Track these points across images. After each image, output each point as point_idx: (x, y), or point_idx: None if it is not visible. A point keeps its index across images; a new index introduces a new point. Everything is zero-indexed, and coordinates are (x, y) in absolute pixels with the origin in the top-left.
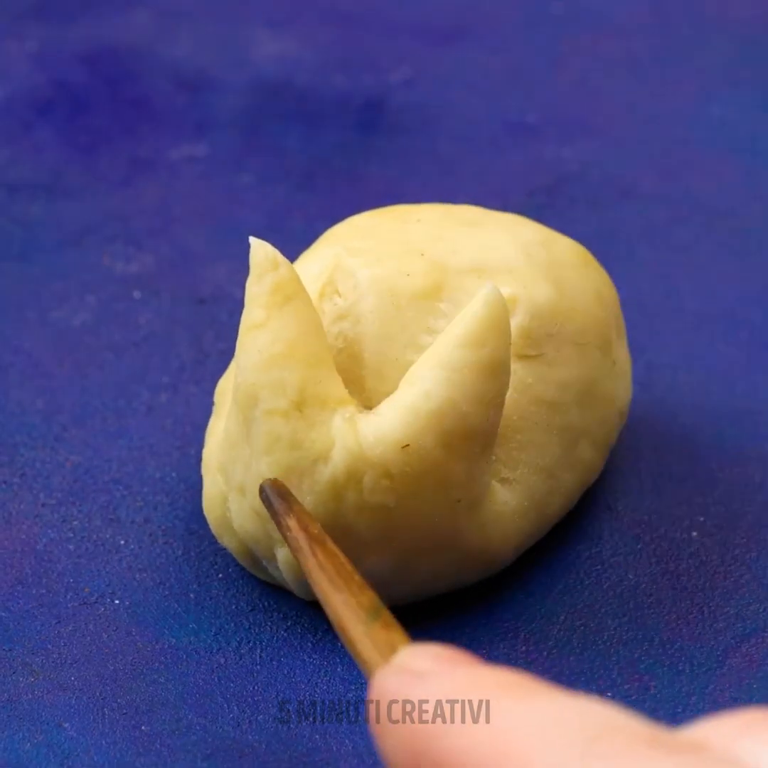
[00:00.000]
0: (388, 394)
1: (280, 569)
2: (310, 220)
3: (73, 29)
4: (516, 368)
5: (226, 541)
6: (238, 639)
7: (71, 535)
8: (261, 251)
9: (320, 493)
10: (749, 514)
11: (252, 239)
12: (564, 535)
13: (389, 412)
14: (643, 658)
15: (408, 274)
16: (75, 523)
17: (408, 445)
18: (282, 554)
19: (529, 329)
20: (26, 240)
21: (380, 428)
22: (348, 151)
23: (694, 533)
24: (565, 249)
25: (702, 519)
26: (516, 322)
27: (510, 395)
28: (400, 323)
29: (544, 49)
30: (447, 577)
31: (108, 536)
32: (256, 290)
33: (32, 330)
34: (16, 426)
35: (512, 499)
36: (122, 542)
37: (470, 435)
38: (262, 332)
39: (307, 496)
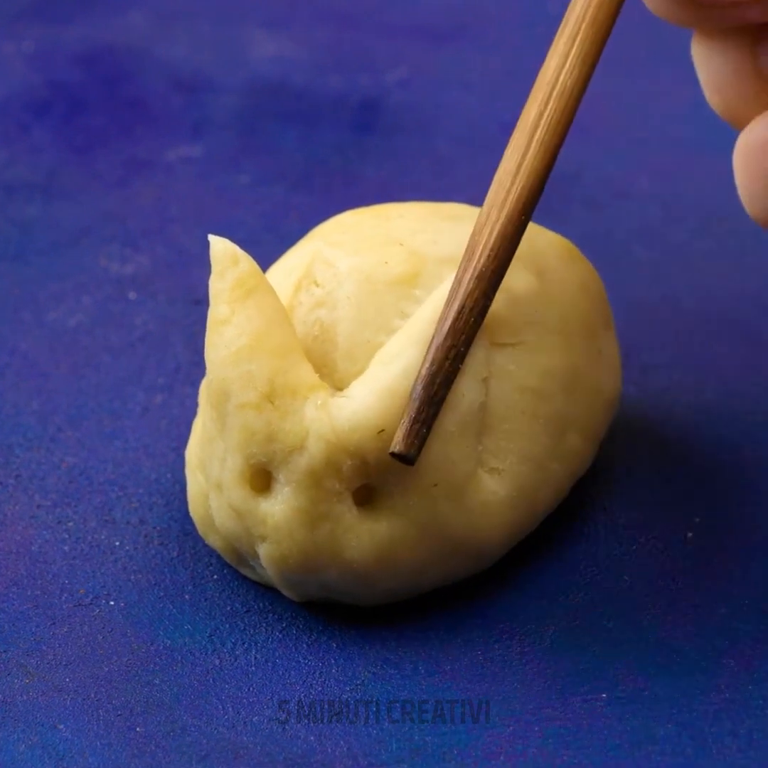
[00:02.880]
0: (358, 375)
1: (264, 567)
2: (306, 221)
3: (69, 30)
4: (497, 356)
5: (212, 540)
6: (233, 640)
7: (66, 536)
8: (220, 247)
9: (299, 482)
10: (744, 514)
11: (211, 236)
12: (559, 535)
13: (363, 393)
14: (638, 658)
15: (386, 263)
16: (70, 524)
17: (383, 431)
18: (263, 550)
19: (505, 317)
20: (22, 241)
21: (356, 415)
22: (344, 151)
23: (689, 533)
24: (548, 241)
25: (697, 519)
26: (493, 310)
27: (493, 384)
28: (375, 307)
29: (541, 50)
30: (434, 569)
31: (103, 537)
32: (219, 286)
33: (28, 331)
34: (11, 427)
35: (500, 490)
36: (117, 543)
37: (444, 412)
38: (227, 327)
39: (284, 487)
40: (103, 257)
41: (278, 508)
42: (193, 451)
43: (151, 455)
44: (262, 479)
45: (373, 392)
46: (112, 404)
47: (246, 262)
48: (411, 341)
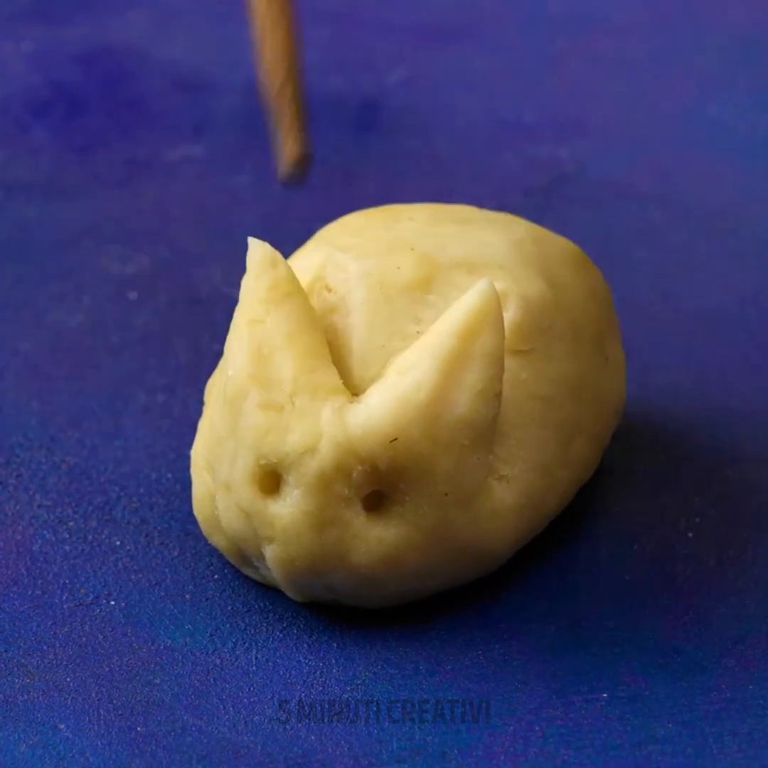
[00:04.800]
0: (373, 380)
1: (269, 568)
2: (306, 221)
3: (69, 30)
4: (510, 364)
5: (216, 540)
6: (233, 640)
7: (67, 536)
8: (260, 250)
9: (308, 485)
10: (745, 515)
11: (251, 239)
12: (560, 536)
13: (378, 401)
14: (639, 659)
15: (398, 267)
16: (71, 524)
17: (396, 439)
18: (270, 552)
19: (520, 324)
20: (23, 241)
21: (369, 421)
22: (344, 151)
23: (690, 534)
24: (557, 247)
25: (698, 520)
26: (507, 318)
27: (505, 391)
28: (389, 313)
29: (541, 50)
30: (441, 574)
31: (103, 537)
32: (254, 286)
33: (28, 331)
34: (12, 427)
35: (509, 497)
36: (118, 543)
37: (458, 426)
38: (260, 326)
39: (294, 489)
40: (103, 257)
41: (287, 510)
42: (199, 452)
43: (151, 455)
44: (271, 481)
45: (388, 401)
46: (113, 404)
47: (284, 267)
48: (428, 353)
